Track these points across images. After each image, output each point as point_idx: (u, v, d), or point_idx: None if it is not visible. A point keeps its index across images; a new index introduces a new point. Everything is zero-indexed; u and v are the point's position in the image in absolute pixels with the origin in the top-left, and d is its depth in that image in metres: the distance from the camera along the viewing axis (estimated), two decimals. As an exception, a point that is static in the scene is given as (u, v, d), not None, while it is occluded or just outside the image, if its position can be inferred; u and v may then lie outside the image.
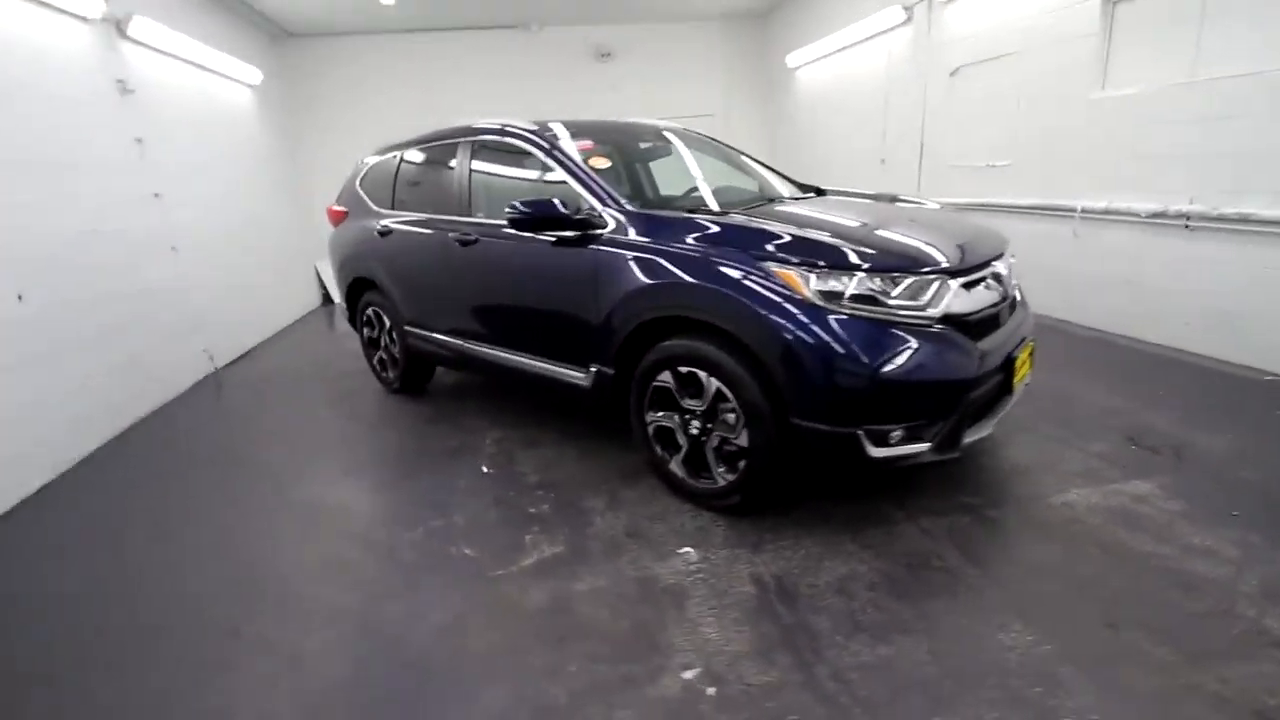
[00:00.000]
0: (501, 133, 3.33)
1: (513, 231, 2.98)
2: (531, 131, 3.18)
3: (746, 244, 2.35)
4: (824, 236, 2.33)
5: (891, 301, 2.15)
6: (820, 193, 3.50)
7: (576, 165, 2.95)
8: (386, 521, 2.80)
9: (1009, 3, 5.01)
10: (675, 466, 2.66)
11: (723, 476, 2.49)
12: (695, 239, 2.47)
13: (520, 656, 1.91)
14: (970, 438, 2.28)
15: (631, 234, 2.64)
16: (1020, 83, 4.99)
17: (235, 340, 5.83)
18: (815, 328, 2.12)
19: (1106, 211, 4.35)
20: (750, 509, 2.53)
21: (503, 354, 3.35)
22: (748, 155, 3.87)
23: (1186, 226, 3.87)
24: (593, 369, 2.88)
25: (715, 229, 2.47)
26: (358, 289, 4.39)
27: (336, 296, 5.68)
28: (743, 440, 2.37)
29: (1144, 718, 1.56)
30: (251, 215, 6.52)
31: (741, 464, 2.41)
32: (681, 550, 2.38)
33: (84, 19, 4.05)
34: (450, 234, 3.44)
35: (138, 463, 3.66)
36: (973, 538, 2.33)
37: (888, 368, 2.08)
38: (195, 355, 5.08)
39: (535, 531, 2.59)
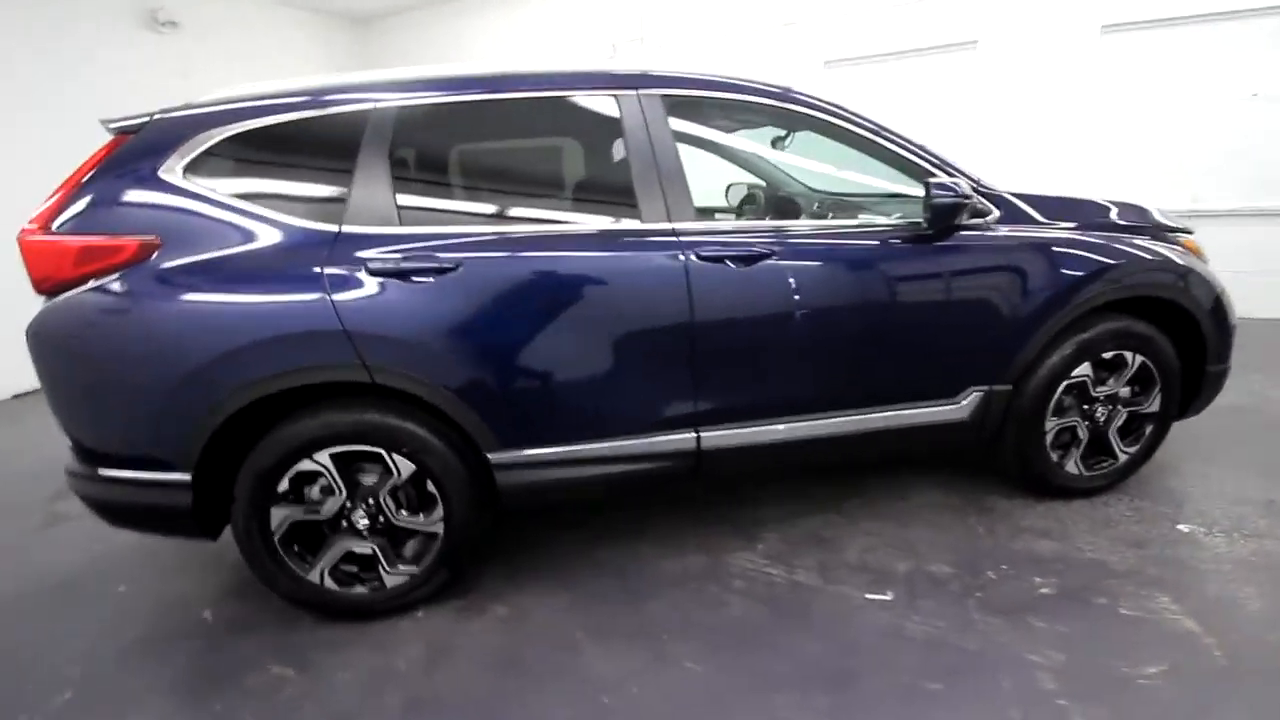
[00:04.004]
0: (765, 94, 2.22)
1: (854, 236, 2.13)
2: (800, 92, 2.23)
3: (1138, 219, 2.45)
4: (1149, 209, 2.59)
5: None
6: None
7: (911, 140, 2.27)
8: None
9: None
10: (1072, 466, 2.47)
11: (1124, 451, 2.50)
12: (1096, 220, 2.38)
13: None
14: None
15: (1032, 218, 2.31)
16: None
17: None
18: (1219, 285, 2.45)
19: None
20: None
21: (808, 423, 2.19)
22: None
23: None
24: (973, 394, 2.30)
25: (1111, 208, 2.43)
26: (252, 422, 1.85)
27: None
28: (1154, 406, 2.46)
29: None
30: None
31: (1148, 429, 2.49)
32: (1185, 529, 2.31)
33: None
34: (691, 254, 1.97)
35: None
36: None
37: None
38: None
39: (1104, 602, 1.98)
